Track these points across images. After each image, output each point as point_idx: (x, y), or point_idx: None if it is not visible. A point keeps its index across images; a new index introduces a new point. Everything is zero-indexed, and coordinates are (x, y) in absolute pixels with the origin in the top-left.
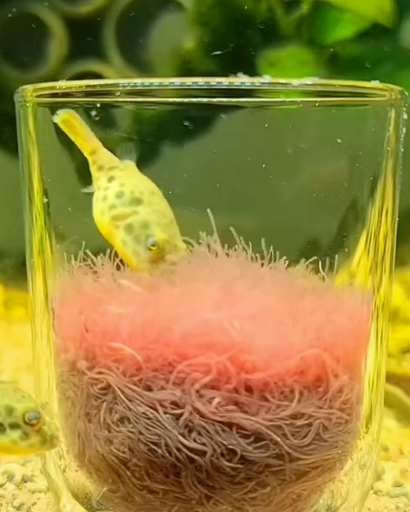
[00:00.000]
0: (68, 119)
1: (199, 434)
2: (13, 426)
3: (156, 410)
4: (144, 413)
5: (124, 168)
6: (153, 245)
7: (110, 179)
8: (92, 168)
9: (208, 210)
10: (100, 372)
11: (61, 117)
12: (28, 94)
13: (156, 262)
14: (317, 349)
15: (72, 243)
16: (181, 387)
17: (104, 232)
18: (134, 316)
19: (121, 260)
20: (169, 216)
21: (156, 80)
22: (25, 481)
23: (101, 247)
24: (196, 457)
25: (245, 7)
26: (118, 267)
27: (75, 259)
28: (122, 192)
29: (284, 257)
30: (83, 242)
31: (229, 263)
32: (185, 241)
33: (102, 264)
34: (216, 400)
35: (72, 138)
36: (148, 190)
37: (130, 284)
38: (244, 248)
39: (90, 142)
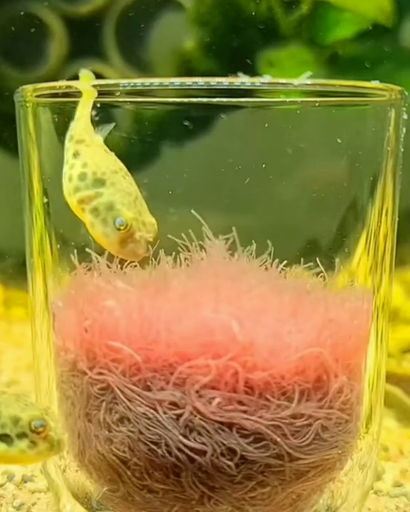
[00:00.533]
0: (87, 80)
1: (199, 433)
2: (20, 436)
3: (156, 410)
4: (144, 413)
5: (90, 144)
6: (121, 225)
7: (75, 154)
8: (67, 136)
9: (193, 212)
10: (100, 373)
11: (84, 74)
12: (28, 94)
13: (126, 240)
14: (317, 349)
15: (72, 243)
16: (181, 387)
17: (74, 211)
18: (134, 317)
19: (121, 260)
20: (134, 193)
21: (156, 80)
22: (25, 481)
23: (101, 248)
24: (196, 457)
25: (245, 7)
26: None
27: (75, 259)
28: (85, 174)
29: (284, 258)
30: (83, 242)
31: (229, 264)
32: (184, 243)
33: (102, 264)
34: (216, 400)
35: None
36: (110, 170)
37: (126, 286)
38: (244, 248)
39: (81, 109)
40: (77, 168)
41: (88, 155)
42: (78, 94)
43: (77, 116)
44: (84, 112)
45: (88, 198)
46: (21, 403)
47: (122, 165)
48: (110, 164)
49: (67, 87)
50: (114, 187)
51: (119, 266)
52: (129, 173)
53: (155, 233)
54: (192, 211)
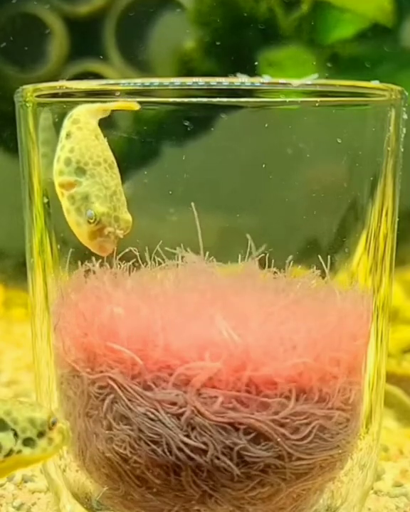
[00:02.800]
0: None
1: (200, 433)
2: (40, 435)
3: (157, 410)
4: (144, 413)
5: (83, 127)
6: (90, 218)
7: (68, 135)
8: (68, 115)
9: (193, 207)
10: (101, 373)
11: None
12: (28, 94)
13: (95, 233)
14: (317, 349)
15: (72, 243)
16: (181, 387)
17: (56, 187)
18: (133, 318)
19: (120, 260)
20: (113, 187)
21: (156, 80)
22: (25, 481)
23: None
24: (196, 456)
25: (245, 7)
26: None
27: (75, 260)
28: (70, 160)
29: (284, 258)
30: (83, 243)
31: (227, 265)
32: (185, 243)
33: (101, 265)
34: (217, 400)
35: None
36: (93, 161)
37: (125, 287)
38: (244, 248)
39: (103, 105)
40: (65, 151)
41: (77, 139)
42: (78, 94)
43: (90, 104)
44: (97, 105)
45: (68, 184)
46: (25, 404)
47: (109, 155)
48: (96, 154)
49: (67, 87)
50: (93, 179)
51: (117, 268)
52: (114, 165)
53: (128, 230)
54: (192, 204)
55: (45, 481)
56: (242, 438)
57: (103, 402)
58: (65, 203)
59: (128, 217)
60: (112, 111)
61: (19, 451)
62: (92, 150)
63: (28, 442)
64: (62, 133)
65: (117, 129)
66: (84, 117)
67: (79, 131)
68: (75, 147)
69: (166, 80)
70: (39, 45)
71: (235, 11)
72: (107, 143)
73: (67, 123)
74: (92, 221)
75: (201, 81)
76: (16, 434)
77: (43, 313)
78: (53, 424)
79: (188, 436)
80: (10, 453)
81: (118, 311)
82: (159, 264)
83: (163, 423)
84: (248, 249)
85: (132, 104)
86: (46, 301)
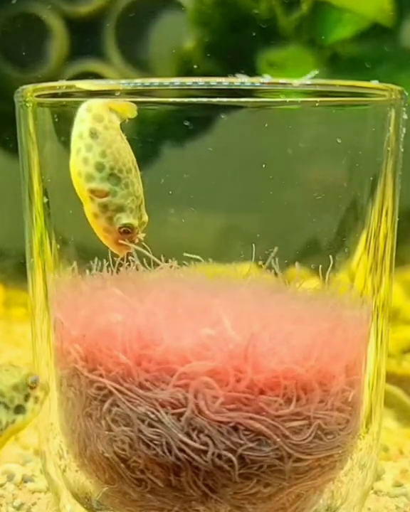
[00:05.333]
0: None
1: (200, 433)
2: (26, 398)
3: (158, 410)
4: (145, 413)
5: (109, 126)
6: (124, 231)
7: (93, 134)
8: (82, 106)
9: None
10: (100, 374)
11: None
12: (28, 94)
13: (123, 239)
14: (318, 349)
15: (72, 243)
16: (182, 388)
17: (78, 190)
18: (133, 319)
19: (121, 261)
20: (141, 196)
21: (156, 80)
22: (25, 481)
23: (101, 248)
24: (196, 456)
25: (245, 7)
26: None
27: (75, 261)
28: (103, 165)
29: (284, 258)
30: (83, 243)
31: (229, 267)
32: (187, 245)
33: (101, 266)
34: (217, 400)
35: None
36: (127, 167)
37: (124, 288)
38: (243, 248)
39: (114, 103)
40: (95, 154)
41: (107, 142)
42: (78, 94)
43: (101, 99)
44: (110, 102)
45: (101, 192)
46: (1, 371)
47: (132, 155)
48: (127, 159)
49: (68, 87)
50: (127, 189)
51: (116, 269)
52: (136, 166)
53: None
54: (192, 209)
55: (45, 481)
56: (242, 438)
57: (103, 403)
58: (93, 207)
59: (146, 218)
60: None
61: (13, 421)
62: (122, 154)
63: (19, 410)
64: (82, 127)
65: None
66: (106, 114)
67: (106, 131)
68: (106, 151)
69: (166, 80)
70: (39, 45)
71: (235, 11)
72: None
73: (85, 116)
74: (123, 231)
75: (201, 81)
76: (6, 406)
77: (43, 313)
78: (34, 382)
79: (188, 436)
80: (6, 426)
81: (117, 313)
82: (160, 264)
83: (163, 423)
84: (248, 249)
85: (133, 110)
86: (46, 301)
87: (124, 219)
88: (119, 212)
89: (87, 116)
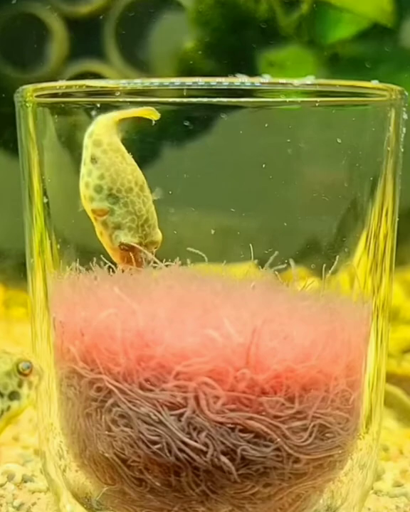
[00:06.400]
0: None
1: (200, 433)
2: (20, 385)
3: (158, 410)
4: (145, 413)
5: (108, 149)
6: (123, 247)
7: (93, 159)
8: (87, 131)
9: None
10: (100, 374)
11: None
12: (28, 94)
13: (127, 256)
14: (318, 349)
15: (72, 243)
16: (182, 388)
17: (87, 212)
18: (133, 319)
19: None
20: (144, 214)
21: (156, 80)
22: (25, 481)
23: (101, 248)
24: (196, 456)
25: (245, 7)
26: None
27: (75, 261)
28: (101, 187)
29: (284, 258)
30: (82, 243)
31: (225, 265)
32: (187, 245)
33: (101, 266)
34: (218, 400)
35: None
36: (125, 187)
37: (123, 288)
38: (243, 248)
39: (117, 114)
40: (93, 177)
41: (105, 166)
42: (78, 94)
43: (108, 115)
44: (115, 115)
45: (101, 211)
46: None
47: (139, 175)
48: (126, 179)
49: (67, 87)
50: (126, 208)
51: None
52: (145, 186)
53: (157, 247)
54: (192, 209)
55: (45, 481)
56: (242, 438)
57: (103, 403)
58: (97, 226)
59: (158, 237)
60: (112, 111)
61: (9, 408)
62: (122, 175)
63: (13, 396)
64: (85, 154)
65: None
66: (106, 137)
67: (104, 155)
68: (104, 174)
69: (166, 80)
70: (39, 45)
71: (235, 11)
72: (133, 160)
73: (88, 142)
74: (123, 249)
75: (201, 81)
76: (0, 394)
77: (43, 313)
78: (27, 368)
79: (188, 436)
80: (1, 413)
81: (115, 313)
82: (159, 264)
83: (163, 423)
84: (248, 249)
85: (153, 112)
86: (46, 301)
87: (122, 237)
88: (117, 230)
89: (88, 142)
